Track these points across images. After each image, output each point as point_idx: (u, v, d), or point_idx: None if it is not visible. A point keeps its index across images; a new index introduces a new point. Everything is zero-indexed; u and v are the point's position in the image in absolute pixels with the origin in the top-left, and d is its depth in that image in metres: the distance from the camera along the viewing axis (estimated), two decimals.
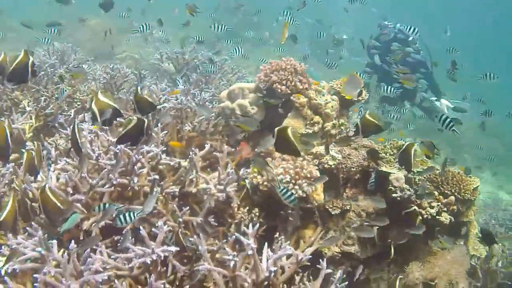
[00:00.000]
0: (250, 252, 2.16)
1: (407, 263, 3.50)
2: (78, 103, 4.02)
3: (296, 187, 3.02)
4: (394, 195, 3.36)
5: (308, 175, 3.05)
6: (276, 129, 2.55)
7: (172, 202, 2.82)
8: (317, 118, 3.42)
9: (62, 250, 2.08)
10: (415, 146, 2.98)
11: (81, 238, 2.47)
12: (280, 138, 2.54)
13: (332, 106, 3.45)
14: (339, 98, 3.58)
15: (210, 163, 3.43)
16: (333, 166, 3.25)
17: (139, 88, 2.76)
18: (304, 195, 3.05)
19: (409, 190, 3.36)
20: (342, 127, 3.48)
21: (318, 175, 3.08)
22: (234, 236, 2.49)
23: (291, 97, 3.46)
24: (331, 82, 3.71)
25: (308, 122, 3.43)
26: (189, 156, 3.01)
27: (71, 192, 2.54)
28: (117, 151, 2.67)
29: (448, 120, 3.36)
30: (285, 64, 3.51)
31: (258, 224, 2.47)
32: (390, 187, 3.39)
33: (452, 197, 3.31)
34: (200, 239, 2.41)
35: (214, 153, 3.26)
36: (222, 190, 2.96)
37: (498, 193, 9.17)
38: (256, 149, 3.37)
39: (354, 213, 3.46)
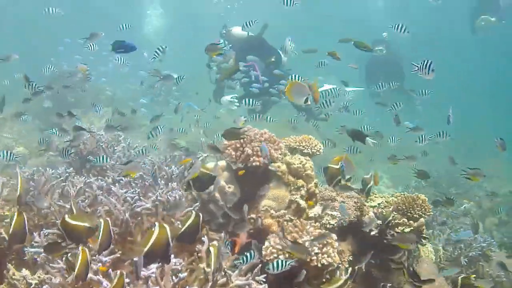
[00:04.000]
0: None
1: None
2: None
3: (325, 255, 3.02)
4: (372, 233, 3.63)
5: (329, 241, 3.07)
6: None
7: None
8: (300, 182, 3.45)
9: None
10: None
11: None
12: None
13: (310, 167, 3.52)
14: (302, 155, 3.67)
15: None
16: (335, 224, 3.34)
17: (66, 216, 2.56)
18: (331, 260, 3.06)
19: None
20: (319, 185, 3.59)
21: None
22: None
23: (269, 167, 3.41)
24: (284, 140, 3.78)
25: (292, 187, 3.43)
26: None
27: None
28: None
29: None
30: (252, 134, 3.44)
31: None
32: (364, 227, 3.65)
33: (422, 220, 3.71)
34: None
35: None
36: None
37: None
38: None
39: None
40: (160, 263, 2.69)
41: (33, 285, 2.99)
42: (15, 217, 2.74)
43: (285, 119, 5.71)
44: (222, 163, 3.51)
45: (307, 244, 3.00)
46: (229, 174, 3.43)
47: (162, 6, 21.63)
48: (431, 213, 3.79)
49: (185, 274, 2.69)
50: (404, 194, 3.89)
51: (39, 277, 3.08)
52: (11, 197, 3.72)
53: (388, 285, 3.67)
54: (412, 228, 3.70)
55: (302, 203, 3.37)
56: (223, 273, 2.85)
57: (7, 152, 3.74)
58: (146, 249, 2.35)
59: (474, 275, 3.12)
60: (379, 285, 3.71)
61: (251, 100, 4.71)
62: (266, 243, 3.10)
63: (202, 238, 3.07)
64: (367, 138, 3.46)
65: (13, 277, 3.07)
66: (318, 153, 3.72)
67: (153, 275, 2.65)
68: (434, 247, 4.40)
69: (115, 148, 4.38)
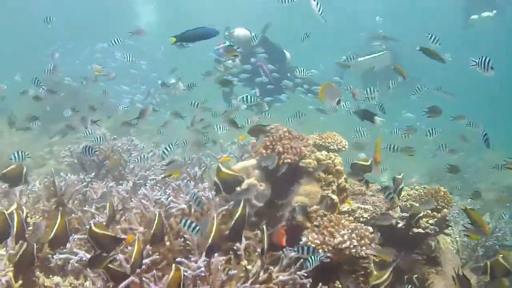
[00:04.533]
0: None
1: None
2: None
3: (364, 247, 3.05)
4: (398, 225, 3.69)
5: (366, 233, 3.11)
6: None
7: None
8: (331, 177, 3.48)
9: None
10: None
11: None
12: None
13: (339, 162, 3.56)
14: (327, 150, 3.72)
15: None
16: (368, 218, 3.38)
17: (91, 223, 2.59)
18: (370, 252, 3.10)
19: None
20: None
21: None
22: None
23: (300, 163, 3.44)
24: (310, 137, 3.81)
25: (323, 183, 3.46)
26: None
27: None
28: None
29: None
30: (281, 132, 3.46)
31: None
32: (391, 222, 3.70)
33: (446, 210, 3.79)
34: None
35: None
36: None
37: None
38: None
39: None
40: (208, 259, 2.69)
41: None
42: (59, 219, 2.70)
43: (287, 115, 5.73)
44: (253, 161, 3.52)
45: (346, 237, 3.03)
46: (260, 172, 3.44)
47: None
48: (453, 203, 3.87)
49: (235, 271, 2.70)
50: (425, 187, 3.97)
51: (70, 283, 3.04)
52: (33, 204, 3.66)
53: (415, 276, 3.73)
54: (436, 219, 3.77)
55: (335, 198, 3.41)
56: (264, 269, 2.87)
57: (18, 153, 3.50)
58: (210, 241, 2.39)
59: (501, 254, 3.20)
60: (404, 277, 3.76)
61: (249, 97, 4.69)
62: (304, 239, 3.12)
63: None
64: (376, 117, 3.49)
65: (45, 284, 3.02)
66: (344, 149, 3.77)
67: (202, 273, 2.64)
68: (451, 238, 4.49)
69: (132, 152, 4.35)
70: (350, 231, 3.07)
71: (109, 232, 2.67)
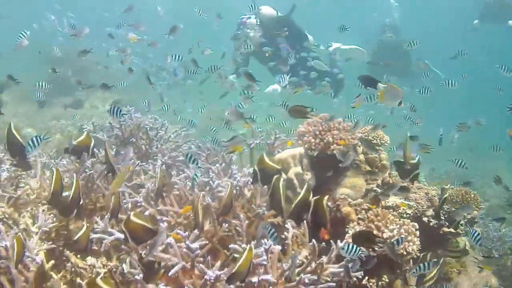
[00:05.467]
0: None
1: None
2: None
3: (411, 243, 3.05)
4: (431, 224, 3.71)
5: (413, 229, 3.10)
6: None
7: None
8: (377, 171, 3.46)
9: None
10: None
11: None
12: None
13: (385, 157, 3.54)
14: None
15: None
16: (411, 214, 3.38)
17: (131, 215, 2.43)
18: (416, 248, 3.08)
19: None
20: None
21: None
22: None
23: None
24: None
25: (369, 177, 3.43)
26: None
27: None
28: None
29: None
30: (331, 122, 3.41)
31: None
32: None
33: (476, 212, 3.84)
34: None
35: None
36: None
37: None
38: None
39: None
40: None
41: (102, 275, 2.81)
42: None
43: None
44: (300, 149, 3.46)
45: (396, 232, 3.02)
46: (307, 161, 3.39)
47: None
48: (483, 206, 3.92)
49: (299, 261, 2.64)
50: (454, 188, 4.00)
51: (104, 265, 2.90)
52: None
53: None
54: (466, 220, 3.82)
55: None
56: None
57: (33, 141, 2.86)
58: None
59: None
60: None
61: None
62: (351, 232, 3.09)
63: (285, 225, 3.00)
64: (379, 84, 3.42)
65: (80, 265, 2.86)
66: (386, 144, 3.73)
67: (264, 262, 2.57)
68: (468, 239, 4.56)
69: (159, 131, 4.19)
70: (398, 226, 3.06)
71: (147, 222, 2.50)
